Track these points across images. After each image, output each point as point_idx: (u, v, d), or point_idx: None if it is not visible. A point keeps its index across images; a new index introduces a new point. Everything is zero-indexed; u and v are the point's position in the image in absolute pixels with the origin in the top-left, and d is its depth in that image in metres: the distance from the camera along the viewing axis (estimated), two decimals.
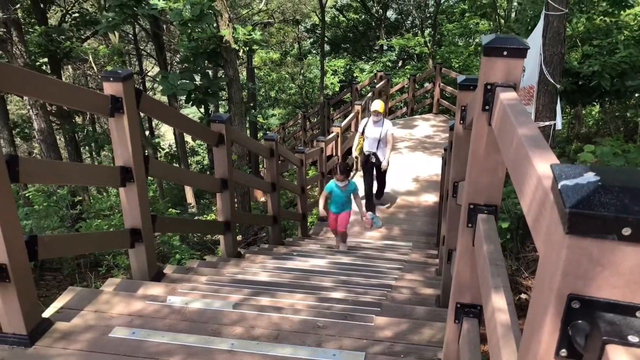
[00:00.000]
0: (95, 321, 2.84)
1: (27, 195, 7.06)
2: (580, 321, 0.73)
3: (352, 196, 6.20)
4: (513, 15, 14.92)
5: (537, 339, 0.80)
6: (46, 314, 2.86)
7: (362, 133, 7.96)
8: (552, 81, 5.73)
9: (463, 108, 2.90)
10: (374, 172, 8.19)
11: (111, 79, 3.09)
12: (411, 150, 11.59)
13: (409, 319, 2.95)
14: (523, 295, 4.37)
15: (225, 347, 2.56)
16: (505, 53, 1.78)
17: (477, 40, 19.41)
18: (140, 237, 3.47)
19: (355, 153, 8.37)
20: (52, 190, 7.55)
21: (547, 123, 5.95)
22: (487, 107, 1.85)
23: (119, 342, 2.60)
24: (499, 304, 1.42)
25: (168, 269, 4.07)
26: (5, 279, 2.42)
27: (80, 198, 7.69)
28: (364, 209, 6.33)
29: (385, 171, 8.18)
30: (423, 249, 6.69)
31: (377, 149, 7.84)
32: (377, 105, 7.82)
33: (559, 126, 6.14)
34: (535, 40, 5.75)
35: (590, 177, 0.72)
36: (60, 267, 5.74)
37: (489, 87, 1.83)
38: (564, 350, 0.76)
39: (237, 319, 2.90)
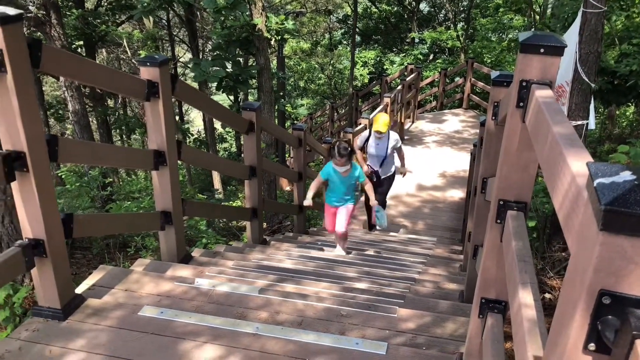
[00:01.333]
0: (125, 299, 2.93)
1: (59, 174, 7.24)
2: (610, 317, 0.75)
3: (356, 184, 5.11)
4: (549, 11, 14.65)
5: (566, 332, 0.82)
6: (79, 290, 2.95)
7: (362, 149, 6.77)
8: (587, 80, 5.64)
9: (496, 104, 2.89)
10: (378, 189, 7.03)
11: (148, 63, 3.15)
12: (439, 145, 11.52)
13: (432, 312, 2.97)
14: (547, 295, 4.34)
15: (251, 330, 2.61)
16: (542, 50, 1.78)
17: (510, 35, 19.13)
18: (171, 219, 3.54)
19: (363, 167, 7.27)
20: (83, 171, 7.72)
21: (579, 122, 5.87)
22: (521, 104, 1.85)
23: (148, 321, 2.67)
24: (525, 299, 1.44)
25: (196, 252, 4.14)
26: (42, 254, 2.51)
27: (111, 180, 7.85)
28: (374, 197, 5.05)
29: (387, 191, 7.01)
30: (447, 244, 6.67)
31: (380, 166, 6.71)
32: (381, 122, 6.37)
33: (591, 126, 6.05)
34: (571, 38, 5.66)
35: (626, 175, 0.74)
36: (90, 246, 5.88)
37: (524, 84, 1.83)
38: (592, 344, 0.78)
39: (263, 303, 2.95)
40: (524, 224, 1.87)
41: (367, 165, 6.76)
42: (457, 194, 8.88)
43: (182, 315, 2.73)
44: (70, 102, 8.97)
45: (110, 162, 3.67)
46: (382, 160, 6.68)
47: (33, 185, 2.36)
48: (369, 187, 5.07)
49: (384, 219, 5.88)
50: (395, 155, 6.82)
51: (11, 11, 2.17)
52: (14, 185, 2.40)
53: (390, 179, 6.90)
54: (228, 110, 4.70)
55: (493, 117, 2.93)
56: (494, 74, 3.00)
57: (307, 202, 4.85)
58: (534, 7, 14.44)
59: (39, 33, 9.04)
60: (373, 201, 5.01)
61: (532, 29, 15.72)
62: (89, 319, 2.66)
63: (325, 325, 2.75)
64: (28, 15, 8.45)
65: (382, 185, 6.86)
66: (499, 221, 2.01)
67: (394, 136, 6.62)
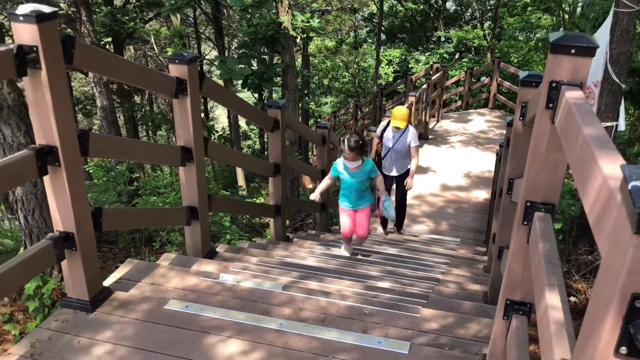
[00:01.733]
0: (152, 293, 2.97)
1: (87, 169, 7.37)
2: None
3: (370, 182, 4.64)
4: (578, 10, 14.42)
5: (597, 335, 0.82)
6: (106, 282, 3.01)
7: (380, 138, 6.46)
8: (618, 81, 5.54)
9: (524, 104, 2.87)
10: (393, 188, 6.65)
11: (177, 61, 3.20)
12: (464, 145, 11.42)
13: (456, 312, 2.96)
14: (572, 298, 4.29)
15: (274, 326, 2.64)
16: (572, 51, 1.76)
17: (538, 35, 18.87)
18: (197, 215, 3.59)
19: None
20: (110, 166, 7.84)
21: (608, 124, 5.77)
22: (550, 105, 1.83)
23: (173, 315, 2.71)
24: (552, 301, 1.43)
25: (220, 248, 4.18)
26: (72, 247, 2.57)
27: (138, 175, 7.96)
28: (383, 187, 4.67)
29: (406, 191, 6.62)
30: (471, 245, 6.62)
31: (395, 160, 6.40)
32: (400, 116, 6.09)
33: (621, 127, 5.94)
34: (601, 38, 5.56)
35: None
36: (116, 240, 5.97)
37: (554, 84, 1.81)
38: (624, 347, 0.77)
39: (286, 300, 2.97)
40: (551, 225, 1.86)
41: (378, 154, 6.44)
42: (481, 194, 8.80)
43: (207, 309, 2.76)
44: (99, 98, 9.12)
45: (139, 158, 3.73)
46: (397, 154, 6.32)
47: (64, 179, 2.41)
48: (379, 180, 4.60)
49: (391, 210, 4.93)
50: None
51: (46, 9, 2.22)
52: (46, 179, 2.46)
53: (405, 175, 6.47)
54: (254, 107, 4.74)
55: (521, 118, 2.90)
56: (522, 74, 2.97)
57: (314, 196, 4.55)
58: (563, 6, 14.22)
59: (69, 30, 9.21)
60: (382, 191, 4.61)
61: (561, 29, 15.49)
62: (116, 312, 2.71)
63: (348, 323, 2.75)
64: (59, 12, 8.62)
65: (399, 185, 6.57)
66: (525, 223, 2.00)
67: (413, 132, 6.23)
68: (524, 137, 2.87)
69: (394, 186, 6.66)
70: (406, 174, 6.42)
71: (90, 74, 9.33)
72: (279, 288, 3.11)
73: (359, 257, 4.86)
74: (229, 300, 2.93)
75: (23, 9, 2.18)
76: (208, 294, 2.99)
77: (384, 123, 6.51)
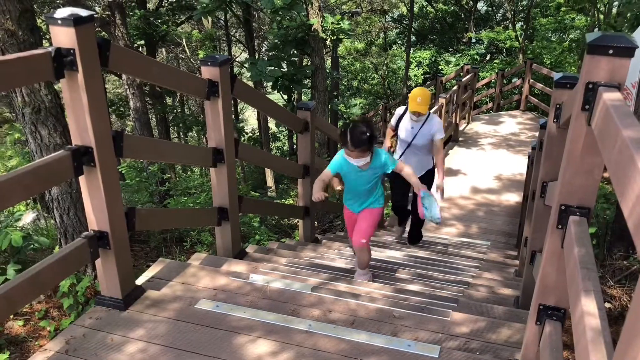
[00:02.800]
0: (183, 292, 3.01)
1: (120, 170, 7.51)
2: None
3: (382, 178, 3.90)
4: (614, 10, 14.10)
5: (638, 343, 0.80)
6: (139, 281, 3.05)
7: (395, 129, 5.23)
8: None
9: (558, 106, 2.82)
10: (409, 195, 5.60)
11: (209, 63, 3.23)
12: (495, 148, 11.27)
13: (487, 317, 2.92)
14: (607, 305, 4.19)
15: (303, 327, 2.64)
16: (610, 52, 1.72)
17: (571, 36, 18.52)
18: (227, 215, 3.62)
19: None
20: (142, 167, 7.97)
21: None
22: (587, 107, 1.80)
23: (204, 314, 2.74)
24: (589, 307, 1.40)
25: (250, 249, 4.21)
26: (106, 246, 2.61)
27: (169, 175, 8.08)
28: (417, 181, 3.65)
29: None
30: (502, 249, 6.53)
31: (414, 159, 5.11)
32: (419, 99, 4.81)
33: None
34: (639, 38, 5.44)
35: None
36: (147, 239, 6.06)
37: (590, 86, 1.77)
38: None
39: (315, 301, 2.97)
40: (587, 230, 1.82)
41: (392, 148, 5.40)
42: (512, 197, 8.67)
43: (236, 309, 2.78)
44: (132, 100, 9.29)
45: (171, 159, 3.78)
46: (417, 151, 5.16)
47: (99, 179, 2.46)
48: (408, 171, 3.60)
49: (436, 209, 3.70)
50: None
51: (83, 13, 2.27)
52: (81, 179, 2.51)
53: (429, 175, 5.24)
54: (284, 109, 4.76)
55: (555, 120, 2.85)
56: (557, 75, 2.92)
57: (315, 194, 3.50)
58: (598, 6, 13.92)
59: (104, 33, 9.40)
60: (418, 185, 3.60)
61: (596, 29, 15.18)
62: (148, 310, 2.75)
63: (377, 326, 2.74)
64: (94, 15, 8.80)
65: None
66: (560, 227, 1.96)
67: (438, 121, 5.07)
68: (558, 139, 2.82)
69: (411, 194, 5.56)
70: (428, 176, 5.25)
71: (124, 76, 9.50)
72: (308, 289, 3.12)
73: (390, 260, 4.83)
74: (259, 300, 2.95)
75: (61, 12, 2.23)
76: (238, 294, 3.02)
77: (399, 110, 5.23)
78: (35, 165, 2.27)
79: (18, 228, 5.04)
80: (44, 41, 7.83)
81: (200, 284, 3.12)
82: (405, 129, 5.15)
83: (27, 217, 6.74)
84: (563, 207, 1.94)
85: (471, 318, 2.85)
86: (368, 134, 3.24)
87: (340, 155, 3.48)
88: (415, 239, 5.90)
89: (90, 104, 2.34)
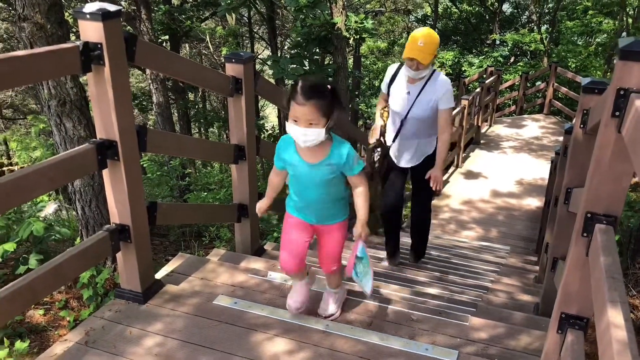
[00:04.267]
0: (201, 288, 3.02)
1: (141, 163, 7.58)
2: None
3: (341, 179, 2.48)
4: None
5: None
6: (158, 275, 3.08)
7: (387, 95, 3.92)
8: None
9: (585, 112, 2.78)
10: (408, 189, 4.35)
11: (234, 60, 3.24)
12: (516, 151, 11.15)
13: (506, 323, 2.89)
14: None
15: (321, 327, 2.64)
16: None
17: (598, 40, 18.23)
18: (247, 213, 3.63)
19: (371, 138, 4.02)
20: (163, 161, 8.04)
21: None
22: (617, 114, 1.76)
23: (222, 310, 2.75)
24: (615, 319, 1.37)
25: (268, 246, 4.22)
26: (127, 239, 2.64)
27: (190, 170, 8.14)
28: (364, 213, 2.50)
29: (431, 195, 4.26)
30: (521, 254, 6.46)
31: (411, 136, 3.88)
32: (419, 40, 3.52)
33: None
34: None
35: None
36: (167, 233, 6.11)
37: (621, 92, 1.74)
38: None
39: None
40: (613, 238, 1.78)
41: (379, 132, 3.99)
42: (533, 202, 8.57)
43: (254, 306, 2.79)
44: (155, 94, 9.37)
45: (193, 154, 3.80)
46: (416, 124, 3.81)
47: (122, 173, 2.48)
48: (360, 191, 2.47)
49: (369, 281, 2.67)
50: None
51: (111, 7, 2.29)
52: (105, 172, 2.54)
53: (427, 166, 3.86)
54: None
55: (582, 125, 2.81)
56: (585, 80, 2.87)
57: (259, 207, 2.68)
58: (627, 9, 13.68)
59: (129, 27, 9.49)
60: (358, 227, 2.50)
61: (624, 34, 14.93)
62: (167, 304, 2.77)
63: (395, 328, 2.73)
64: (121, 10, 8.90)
65: (418, 184, 4.09)
66: (585, 234, 1.93)
67: (443, 83, 3.68)
68: (584, 145, 2.78)
69: (408, 192, 4.39)
70: (426, 165, 3.89)
71: (148, 71, 9.58)
72: (324, 289, 3.10)
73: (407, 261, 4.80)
74: (277, 298, 2.95)
75: (90, 7, 2.26)
76: (256, 291, 3.02)
77: (391, 69, 3.92)
78: (60, 157, 2.30)
79: (40, 218, 5.11)
80: (71, 35, 7.94)
81: (219, 280, 3.13)
82: (398, 95, 3.79)
83: (49, 208, 6.84)
84: (589, 215, 1.90)
85: (490, 324, 2.82)
86: (328, 87, 2.19)
87: (285, 138, 2.42)
88: (418, 253, 4.57)
89: (115, 99, 2.36)
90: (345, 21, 8.54)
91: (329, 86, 2.20)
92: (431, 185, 3.77)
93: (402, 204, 4.33)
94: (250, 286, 3.07)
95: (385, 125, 4.05)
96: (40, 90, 4.06)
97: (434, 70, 3.78)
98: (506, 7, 22.11)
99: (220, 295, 2.89)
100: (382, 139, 4.02)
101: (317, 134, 2.18)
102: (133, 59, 2.45)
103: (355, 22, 8.45)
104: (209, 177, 7.90)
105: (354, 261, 2.59)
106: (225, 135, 15.59)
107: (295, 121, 2.16)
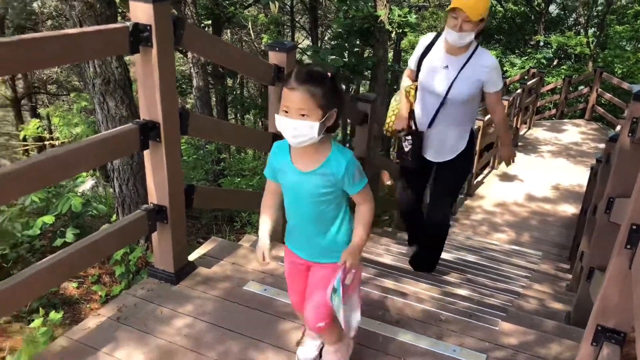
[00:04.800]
0: (232, 272, 3.05)
1: None
2: None
3: (340, 202, 1.99)
4: None
5: None
6: (191, 257, 3.11)
7: (417, 71, 3.37)
8: None
9: (634, 120, 2.69)
10: (428, 189, 3.88)
11: (277, 49, 3.23)
12: (554, 156, 10.93)
13: (537, 330, 2.84)
14: None
15: None
16: None
17: None
18: None
19: (388, 124, 3.73)
20: (200, 144, 8.13)
21: None
22: None
23: (252, 296, 2.77)
24: None
25: None
26: (164, 220, 2.67)
27: (225, 155, 8.21)
28: (362, 237, 1.97)
29: (455, 199, 3.88)
30: (553, 261, 6.34)
31: (446, 124, 3.33)
32: None
33: None
34: None
35: None
36: (199, 216, 6.19)
37: None
38: None
39: (361, 296, 2.95)
40: None
41: (405, 117, 3.49)
42: (569, 209, 8.40)
43: (283, 295, 2.80)
44: (195, 79, 9.46)
45: (231, 140, 3.83)
46: (446, 109, 3.27)
47: (163, 155, 2.51)
48: (362, 209, 1.99)
49: (350, 314, 2.13)
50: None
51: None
52: (146, 153, 2.57)
53: (462, 161, 3.41)
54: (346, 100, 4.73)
55: (630, 134, 2.73)
56: (635, 87, 2.79)
57: (260, 250, 2.09)
58: None
59: (174, 10, 9.60)
60: (348, 253, 1.92)
61: None
62: (198, 287, 2.80)
63: (423, 328, 2.71)
64: None
65: (440, 176, 3.53)
66: (629, 247, 1.87)
67: (491, 61, 3.19)
68: (631, 154, 2.70)
69: (429, 187, 3.77)
70: (461, 162, 3.44)
71: (189, 54, 9.68)
72: None
73: (441, 261, 4.74)
74: None
75: None
76: (285, 279, 3.03)
77: (425, 40, 3.37)
78: (104, 135, 2.35)
79: (78, 194, 5.23)
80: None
81: (250, 266, 3.15)
82: (433, 70, 3.22)
83: (87, 184, 6.99)
84: (634, 227, 1.85)
85: (520, 330, 2.78)
86: (327, 74, 1.83)
87: (278, 145, 2.02)
88: (427, 264, 3.91)
89: (161, 81, 2.38)
90: (389, 14, 8.46)
91: (328, 74, 1.84)
92: (504, 164, 3.63)
93: (421, 203, 3.83)
94: (280, 274, 3.08)
95: (411, 106, 3.45)
96: (86, 68, 4.14)
97: (478, 44, 3.25)
98: (553, 8, 21.59)
99: (250, 281, 2.91)
100: (412, 124, 3.44)
101: (310, 128, 1.77)
102: (180, 42, 2.47)
103: (399, 15, 8.37)
104: (243, 163, 7.96)
105: (330, 290, 1.94)
106: (260, 123, 15.67)
107: (286, 112, 1.78)
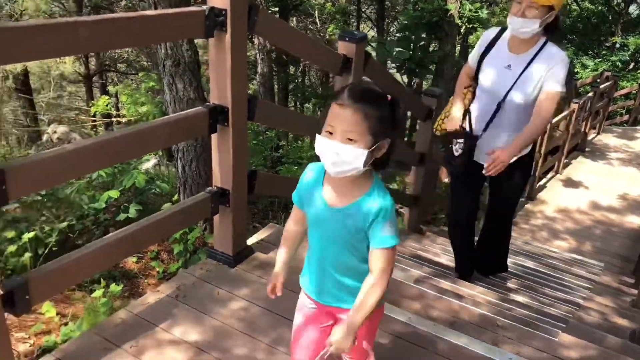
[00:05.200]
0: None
1: None
2: None
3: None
4: None
5: None
6: (249, 241, 3.15)
7: (476, 73, 3.11)
8: None
9: None
10: (486, 194, 3.77)
11: (347, 39, 3.21)
12: (623, 164, 10.44)
13: (598, 345, 2.72)
14: None
15: (402, 318, 2.60)
16: None
17: None
18: None
19: (438, 122, 3.44)
20: (259, 130, 8.21)
21: None
22: None
23: None
24: None
25: None
26: (226, 203, 2.71)
27: (283, 143, 8.27)
28: (343, 334, 1.61)
29: (515, 207, 3.47)
30: (616, 274, 6.07)
31: (506, 127, 3.02)
32: None
33: None
34: None
35: None
36: (256, 201, 6.27)
37: None
38: None
39: (417, 294, 2.92)
40: None
41: (458, 118, 3.17)
42: (636, 220, 8.02)
43: None
44: (260, 65, 9.56)
45: (295, 129, 3.84)
46: (505, 112, 2.98)
47: (230, 139, 2.54)
48: (372, 283, 1.58)
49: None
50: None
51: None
52: (213, 136, 2.60)
53: (520, 169, 3.11)
54: (412, 94, 4.67)
55: None
56: None
57: (272, 281, 1.93)
58: None
59: None
60: (339, 333, 1.63)
61: None
62: (255, 271, 2.83)
63: (479, 332, 2.64)
64: None
65: (496, 185, 3.25)
66: None
67: (559, 57, 2.85)
68: None
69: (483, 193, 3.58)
70: (522, 172, 3.18)
71: (256, 40, 9.78)
72: (410, 280, 3.07)
73: None
74: None
75: None
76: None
77: (488, 34, 3.08)
78: (174, 117, 2.39)
79: (142, 171, 5.38)
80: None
81: (305, 254, 3.15)
82: (494, 69, 2.98)
83: (150, 162, 7.20)
84: None
85: (581, 343, 2.67)
86: (388, 97, 1.51)
87: (312, 166, 1.73)
88: (491, 267, 3.72)
89: (232, 66, 2.40)
90: (459, 8, 8.27)
91: (389, 96, 1.50)
92: (485, 166, 2.85)
93: (474, 217, 3.49)
94: None
95: (467, 110, 3.18)
96: (157, 49, 4.23)
97: (547, 40, 2.91)
98: (633, 9, 20.57)
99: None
100: (465, 125, 3.16)
101: (355, 156, 1.45)
102: (253, 29, 2.48)
103: (470, 10, 8.16)
104: (300, 152, 7.99)
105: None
106: (319, 113, 15.70)
107: (330, 133, 1.47)
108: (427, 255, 4.07)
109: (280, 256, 1.92)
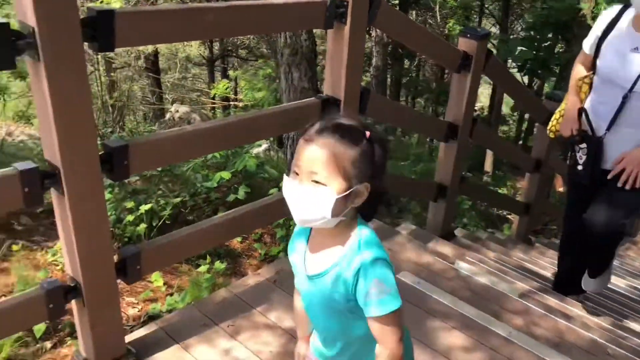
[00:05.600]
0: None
1: None
2: None
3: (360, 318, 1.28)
4: None
5: None
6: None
7: (593, 61, 2.61)
8: None
9: None
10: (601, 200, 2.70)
11: (468, 35, 3.10)
12: None
13: None
14: None
15: (503, 333, 2.48)
16: None
17: None
18: (445, 194, 3.52)
19: (552, 123, 2.96)
20: (369, 124, 8.18)
21: None
22: None
23: (404, 286, 2.73)
24: None
25: (458, 232, 4.09)
26: None
27: (391, 138, 8.19)
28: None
29: (628, 205, 2.61)
30: None
31: (633, 124, 2.51)
32: None
33: None
34: None
35: None
36: None
37: None
38: None
39: (521, 309, 2.77)
40: None
41: (574, 118, 2.73)
42: None
43: (437, 292, 2.71)
44: (375, 57, 9.52)
45: (405, 125, 3.78)
46: (632, 105, 2.48)
47: None
48: (385, 345, 1.28)
49: None
50: None
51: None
52: None
53: None
54: (532, 96, 4.44)
55: None
56: None
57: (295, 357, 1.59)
58: None
59: None
60: None
61: None
62: None
63: (585, 357, 2.46)
64: None
65: (615, 192, 2.62)
66: None
67: None
68: None
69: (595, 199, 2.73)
70: None
71: (373, 32, 9.74)
72: (515, 294, 2.92)
73: (615, 287, 4.30)
74: (461, 290, 2.83)
75: None
76: (441, 276, 2.93)
77: (607, 15, 2.63)
78: (288, 106, 2.43)
79: (253, 155, 5.55)
80: None
81: (405, 254, 3.10)
82: (617, 54, 2.51)
83: (261, 147, 7.42)
84: None
85: None
86: (365, 132, 1.19)
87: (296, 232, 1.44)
88: (598, 268, 3.02)
89: (349, 58, 2.39)
90: (593, 8, 7.70)
91: (367, 132, 1.20)
92: (613, 172, 2.49)
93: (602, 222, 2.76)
94: (436, 270, 2.99)
95: (581, 103, 2.71)
96: (277, 37, 4.33)
97: None
98: None
99: (404, 271, 2.87)
100: (585, 127, 2.69)
101: (322, 201, 1.15)
102: (373, 22, 2.45)
103: (606, 9, 7.57)
104: (409, 148, 7.88)
105: None
106: (431, 109, 15.39)
107: (297, 174, 1.19)
108: (534, 268, 3.86)
109: (299, 332, 1.60)
